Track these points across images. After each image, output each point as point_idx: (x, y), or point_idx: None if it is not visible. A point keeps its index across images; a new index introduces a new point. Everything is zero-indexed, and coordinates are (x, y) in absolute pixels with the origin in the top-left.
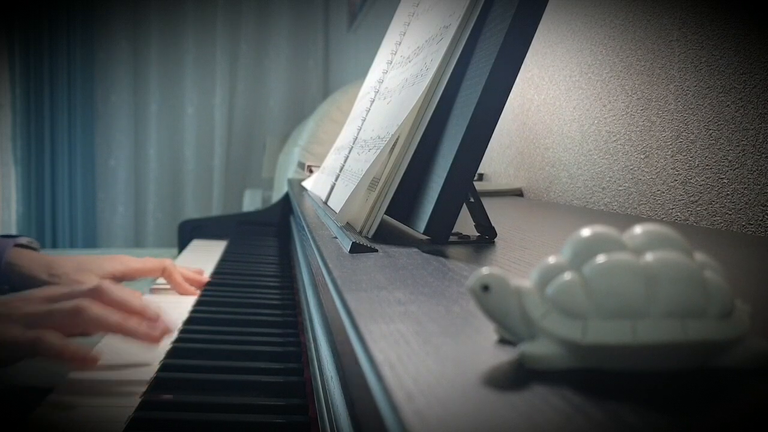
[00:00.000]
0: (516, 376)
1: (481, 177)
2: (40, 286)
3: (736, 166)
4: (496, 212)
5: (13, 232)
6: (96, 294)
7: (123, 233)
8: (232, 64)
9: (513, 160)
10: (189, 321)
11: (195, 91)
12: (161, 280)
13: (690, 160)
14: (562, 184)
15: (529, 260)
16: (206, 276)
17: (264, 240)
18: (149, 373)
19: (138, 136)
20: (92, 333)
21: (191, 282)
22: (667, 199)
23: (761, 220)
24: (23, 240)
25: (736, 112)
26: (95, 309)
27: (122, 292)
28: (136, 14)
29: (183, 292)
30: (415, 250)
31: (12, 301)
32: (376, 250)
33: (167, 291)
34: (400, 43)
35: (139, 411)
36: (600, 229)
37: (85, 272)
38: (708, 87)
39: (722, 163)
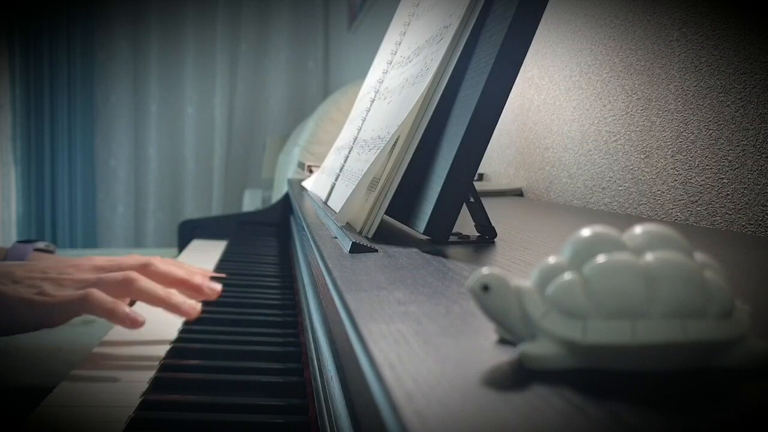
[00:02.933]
0: (516, 376)
1: (481, 177)
2: None
3: (736, 166)
4: (496, 212)
5: (13, 231)
6: (144, 268)
7: (123, 233)
8: (232, 64)
9: (513, 160)
10: (189, 321)
11: (195, 91)
12: None
13: (690, 160)
14: (562, 184)
15: (529, 260)
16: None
17: (264, 240)
18: (149, 373)
19: (138, 136)
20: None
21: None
22: (667, 199)
23: (761, 220)
24: (41, 244)
25: (736, 112)
26: (144, 281)
27: (167, 266)
28: (136, 14)
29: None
30: (415, 250)
31: (63, 268)
32: (376, 250)
33: None
34: (400, 43)
35: (139, 411)
36: (600, 229)
37: None
38: (708, 87)
39: (722, 163)
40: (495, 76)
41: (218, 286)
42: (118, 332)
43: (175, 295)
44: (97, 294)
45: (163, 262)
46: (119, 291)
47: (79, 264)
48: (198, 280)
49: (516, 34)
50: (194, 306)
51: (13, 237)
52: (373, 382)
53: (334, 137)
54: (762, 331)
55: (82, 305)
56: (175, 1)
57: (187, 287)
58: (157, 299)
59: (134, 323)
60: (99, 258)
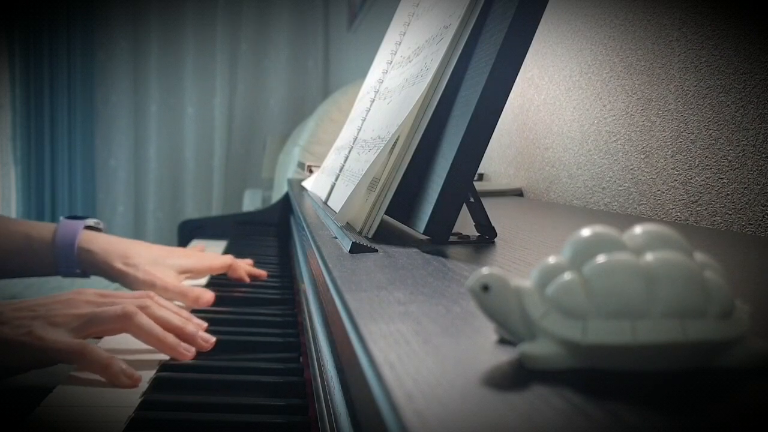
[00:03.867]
0: (516, 376)
1: (481, 177)
2: (114, 272)
3: (736, 166)
4: (496, 212)
5: (27, 220)
6: (142, 309)
7: (123, 233)
8: (232, 64)
9: (513, 160)
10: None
11: (195, 91)
12: None
13: (690, 160)
14: (562, 184)
15: (529, 260)
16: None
17: (264, 240)
18: (149, 373)
19: (138, 136)
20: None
21: (253, 276)
22: (667, 199)
23: (761, 220)
24: (91, 222)
25: (736, 112)
26: (142, 317)
27: (163, 311)
28: (136, 14)
29: (246, 278)
30: (415, 250)
31: (52, 304)
32: (376, 250)
33: None
34: (400, 43)
35: (139, 411)
36: (600, 229)
37: (159, 265)
38: (708, 87)
39: (722, 163)
40: (495, 76)
41: (212, 339)
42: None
43: (171, 337)
44: (92, 350)
45: (158, 307)
46: (116, 326)
47: (70, 299)
48: (191, 329)
49: (516, 34)
50: (189, 348)
51: None
52: (373, 382)
53: (334, 137)
54: (762, 331)
55: (76, 358)
56: (175, 1)
57: (181, 336)
58: (153, 338)
59: (131, 380)
60: (91, 292)
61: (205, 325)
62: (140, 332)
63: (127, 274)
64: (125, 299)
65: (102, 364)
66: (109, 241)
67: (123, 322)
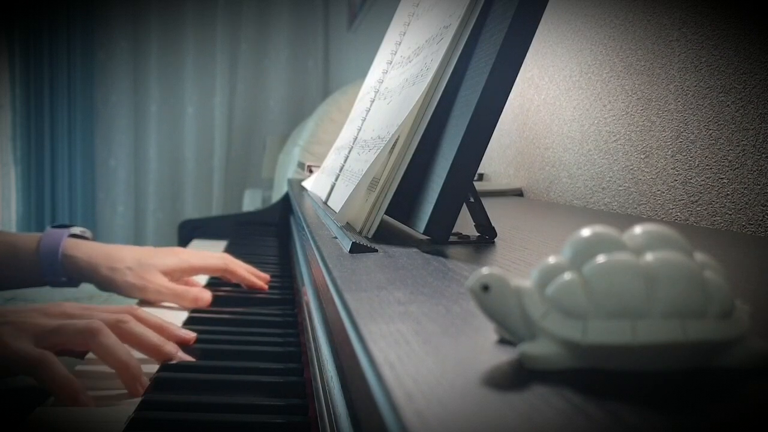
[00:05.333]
0: (516, 376)
1: (481, 177)
2: (100, 278)
3: (736, 166)
4: (496, 212)
5: (13, 231)
6: (116, 326)
7: (123, 233)
8: (232, 64)
9: (513, 160)
10: (189, 321)
11: (195, 91)
12: None
13: (690, 160)
14: (562, 184)
15: (529, 260)
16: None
17: (264, 240)
18: (149, 373)
19: (138, 136)
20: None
21: (255, 277)
22: (667, 199)
23: (761, 220)
24: (76, 230)
25: (736, 112)
26: (107, 337)
27: (140, 327)
28: (136, 14)
29: (251, 285)
30: (415, 250)
31: (29, 312)
32: (376, 250)
33: None
34: (400, 43)
35: (139, 411)
36: (600, 229)
37: (146, 267)
38: (708, 87)
39: (722, 163)
40: (495, 76)
41: (190, 359)
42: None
43: (134, 366)
44: (52, 363)
45: (136, 323)
46: (79, 341)
47: (47, 309)
48: (167, 350)
49: (516, 34)
50: (144, 384)
51: None
52: (373, 382)
53: (334, 137)
54: (762, 331)
55: (33, 369)
56: (175, 1)
57: (157, 356)
58: (114, 362)
59: (82, 404)
60: (71, 305)
61: (193, 336)
62: (102, 352)
63: (114, 280)
64: (104, 313)
65: (59, 382)
66: (93, 247)
67: (86, 338)
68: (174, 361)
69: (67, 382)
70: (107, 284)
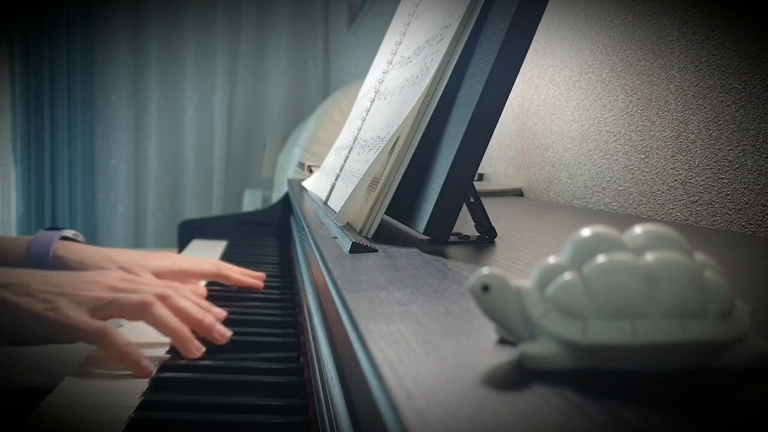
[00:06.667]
0: (516, 376)
1: (481, 177)
2: None
3: (736, 166)
4: (496, 212)
5: (13, 232)
6: (162, 299)
7: (123, 233)
8: (232, 64)
9: (513, 160)
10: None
11: (195, 91)
12: None
13: (690, 160)
14: (562, 184)
15: (529, 260)
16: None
17: (264, 240)
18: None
19: (138, 136)
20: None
21: (249, 277)
22: (667, 199)
23: (761, 220)
24: (68, 233)
25: (736, 112)
26: (160, 308)
27: (183, 301)
28: (136, 14)
29: (246, 286)
30: (415, 250)
31: (81, 283)
32: (376, 250)
33: None
34: (400, 43)
35: (139, 411)
36: (600, 229)
37: (138, 267)
38: (708, 87)
39: (722, 163)
40: (495, 76)
41: (228, 333)
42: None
43: (186, 331)
44: (114, 334)
45: (179, 297)
46: (133, 313)
47: (95, 281)
48: (208, 321)
49: (516, 34)
50: (200, 348)
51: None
52: (373, 382)
53: (334, 137)
54: (762, 331)
55: (97, 340)
56: (175, 1)
57: (199, 328)
58: (168, 330)
59: (144, 372)
60: (115, 275)
61: (224, 314)
62: (155, 322)
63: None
64: (147, 286)
65: (121, 351)
66: (84, 249)
67: (141, 311)
68: (214, 334)
69: (129, 351)
70: None
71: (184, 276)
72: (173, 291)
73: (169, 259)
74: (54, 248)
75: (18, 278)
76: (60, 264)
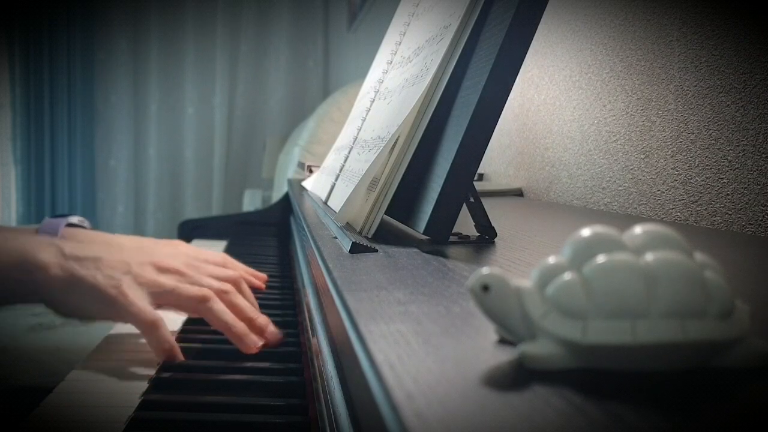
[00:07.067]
0: (516, 376)
1: (481, 177)
2: None
3: (736, 166)
4: (496, 212)
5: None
6: (221, 294)
7: (123, 233)
8: (232, 64)
9: (513, 160)
10: (189, 321)
11: (195, 91)
12: None
13: (690, 160)
14: (562, 184)
15: (529, 260)
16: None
17: (264, 240)
18: (149, 373)
19: (138, 136)
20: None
21: (254, 276)
22: (667, 199)
23: (761, 220)
24: (74, 219)
25: (736, 112)
26: (218, 304)
27: (240, 299)
28: (136, 14)
29: (249, 284)
30: (415, 250)
31: (146, 263)
32: (376, 250)
33: None
34: (400, 43)
35: (139, 411)
36: (600, 229)
37: (144, 250)
38: (708, 87)
39: (722, 163)
40: (495, 76)
41: (279, 334)
42: (119, 332)
43: (241, 326)
44: (164, 329)
45: (236, 294)
46: (189, 305)
47: (161, 265)
48: (262, 321)
49: (516, 34)
50: (256, 342)
51: None
52: (373, 382)
53: (334, 137)
54: (762, 331)
55: (147, 329)
56: (175, 1)
57: (251, 327)
58: (222, 324)
59: (173, 360)
60: (185, 254)
61: (268, 320)
62: (212, 317)
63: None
64: (209, 279)
65: (164, 347)
66: (90, 235)
67: (198, 305)
68: (266, 334)
69: (171, 347)
70: None
71: None
72: (233, 288)
73: (177, 248)
74: (60, 234)
75: (91, 253)
76: None
